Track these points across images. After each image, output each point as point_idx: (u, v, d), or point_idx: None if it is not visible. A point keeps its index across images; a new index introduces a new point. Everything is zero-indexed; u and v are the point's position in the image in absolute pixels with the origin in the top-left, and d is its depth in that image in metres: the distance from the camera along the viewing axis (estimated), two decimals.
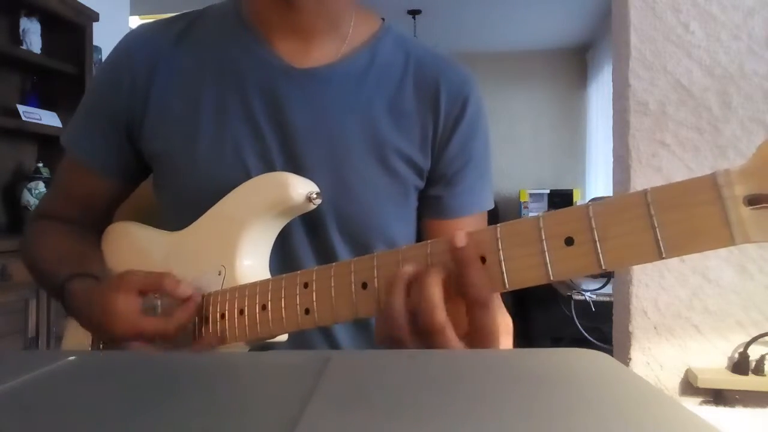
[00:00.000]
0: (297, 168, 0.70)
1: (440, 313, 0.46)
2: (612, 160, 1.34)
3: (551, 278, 0.45)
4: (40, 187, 2.74)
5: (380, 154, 0.72)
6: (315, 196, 0.65)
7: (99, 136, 0.76)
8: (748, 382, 1.17)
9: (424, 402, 0.30)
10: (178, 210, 0.74)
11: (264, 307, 0.59)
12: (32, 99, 2.88)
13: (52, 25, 2.91)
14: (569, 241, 0.44)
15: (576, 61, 6.15)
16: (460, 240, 0.48)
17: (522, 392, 0.32)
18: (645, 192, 0.41)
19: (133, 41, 0.76)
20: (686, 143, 1.21)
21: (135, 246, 0.77)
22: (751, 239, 0.39)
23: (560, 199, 6.02)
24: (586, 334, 2.55)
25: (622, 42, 1.26)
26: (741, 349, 1.18)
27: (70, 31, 2.98)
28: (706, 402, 1.21)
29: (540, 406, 0.30)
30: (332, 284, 0.55)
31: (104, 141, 0.76)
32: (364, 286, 0.53)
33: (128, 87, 0.74)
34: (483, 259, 0.47)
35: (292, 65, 0.72)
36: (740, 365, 1.18)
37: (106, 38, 3.20)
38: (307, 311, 0.56)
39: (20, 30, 2.79)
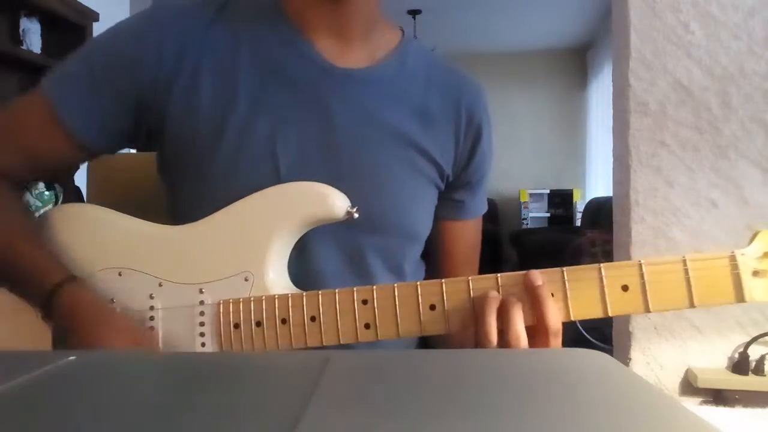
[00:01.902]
0: (331, 165, 0.71)
1: (524, 341, 0.58)
2: (612, 160, 1.34)
3: (609, 314, 0.59)
4: (40, 186, 2.73)
5: (408, 155, 0.75)
6: (354, 210, 0.67)
7: (94, 102, 0.70)
8: (748, 382, 1.16)
9: (424, 402, 0.30)
10: (193, 197, 0.71)
11: (313, 319, 0.63)
12: None
13: (52, 25, 2.90)
14: (625, 288, 0.59)
15: (576, 61, 6.15)
16: (537, 279, 0.59)
17: (522, 392, 0.32)
18: (684, 258, 0.58)
19: (163, 19, 0.72)
20: (686, 143, 1.21)
21: (120, 237, 0.70)
22: (755, 299, 0.58)
23: (560, 199, 6.02)
24: (586, 334, 2.55)
25: (622, 42, 1.26)
26: (741, 349, 1.18)
27: (70, 31, 2.96)
28: (706, 402, 1.20)
29: (540, 406, 0.30)
30: (397, 303, 0.61)
31: (97, 109, 0.70)
32: (432, 307, 0.61)
33: (152, 66, 0.70)
34: (552, 295, 0.59)
35: (333, 64, 0.73)
36: (740, 365, 1.18)
37: None
38: (367, 326, 0.62)
39: (20, 30, 2.78)
